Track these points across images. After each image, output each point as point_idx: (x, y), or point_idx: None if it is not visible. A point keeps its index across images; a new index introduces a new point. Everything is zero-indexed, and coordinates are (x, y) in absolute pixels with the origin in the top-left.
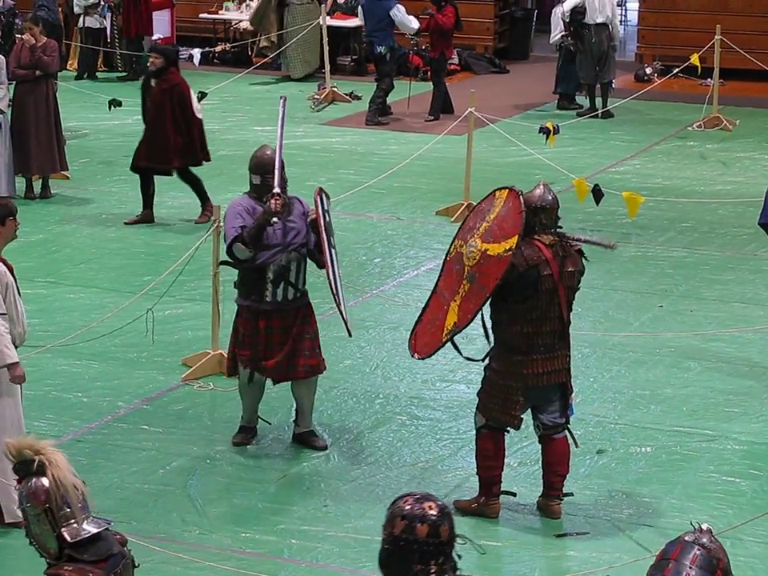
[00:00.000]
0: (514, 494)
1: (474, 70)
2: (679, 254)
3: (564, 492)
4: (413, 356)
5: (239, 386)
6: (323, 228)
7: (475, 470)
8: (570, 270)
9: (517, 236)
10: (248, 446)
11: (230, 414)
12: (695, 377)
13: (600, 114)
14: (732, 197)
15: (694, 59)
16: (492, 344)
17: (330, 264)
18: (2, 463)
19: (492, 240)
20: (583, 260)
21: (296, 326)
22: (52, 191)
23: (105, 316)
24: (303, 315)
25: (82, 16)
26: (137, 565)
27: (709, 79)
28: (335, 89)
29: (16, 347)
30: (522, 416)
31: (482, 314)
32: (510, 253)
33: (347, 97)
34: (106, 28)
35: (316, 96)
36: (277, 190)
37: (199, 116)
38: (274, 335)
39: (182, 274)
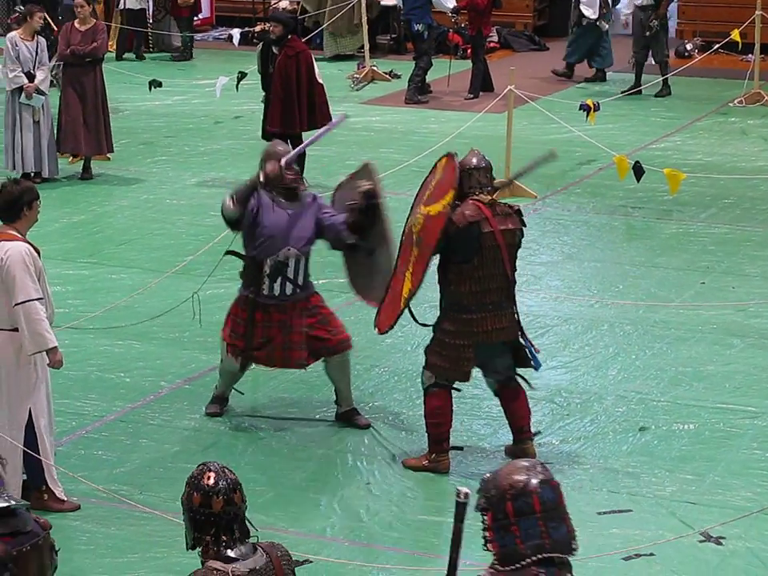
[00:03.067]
0: (461, 449)
1: (514, 47)
2: (721, 230)
3: (533, 432)
4: (377, 333)
5: (222, 368)
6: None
7: (504, 441)
8: (510, 227)
9: (452, 190)
10: (291, 426)
11: (272, 392)
12: (738, 353)
13: (660, 92)
14: None
15: (735, 35)
16: (442, 307)
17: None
18: (43, 442)
19: (433, 202)
20: (522, 219)
21: (292, 320)
22: (93, 172)
23: (145, 295)
24: (301, 309)
25: None
26: (57, 549)
27: (750, 55)
28: (375, 68)
29: None
30: (471, 371)
31: (408, 307)
32: (448, 207)
33: (386, 76)
34: (145, 9)
35: (356, 75)
36: (284, 161)
37: (320, 81)
38: (272, 328)
39: (222, 254)
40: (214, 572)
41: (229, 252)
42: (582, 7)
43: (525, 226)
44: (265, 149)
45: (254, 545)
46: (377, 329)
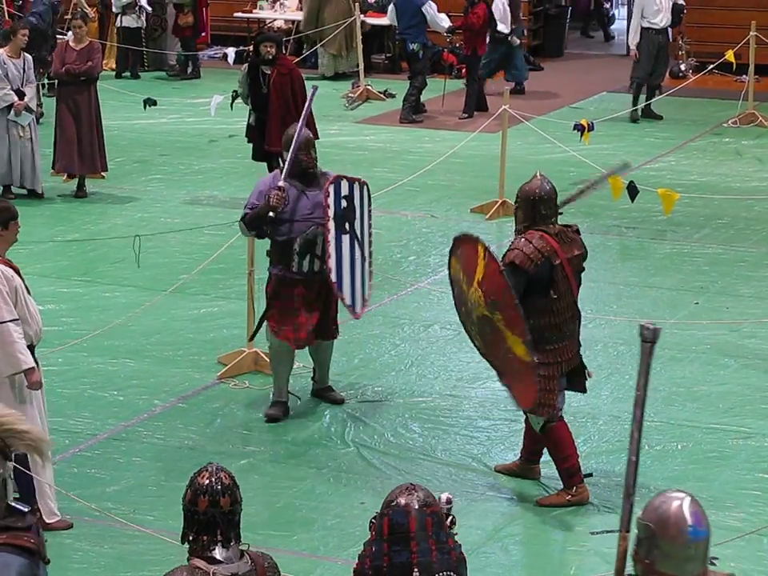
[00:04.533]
0: (591, 474)
1: None
2: (715, 250)
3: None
4: (526, 412)
5: (271, 355)
6: (329, 218)
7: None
8: (576, 254)
9: (479, 246)
10: (284, 444)
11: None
12: (731, 374)
13: (643, 114)
14: None
15: (729, 55)
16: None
17: (332, 252)
18: (36, 466)
19: (473, 274)
20: (582, 240)
21: (321, 297)
22: (88, 191)
23: (139, 313)
24: (328, 286)
25: (119, 16)
26: (47, 561)
27: (744, 75)
28: (369, 87)
29: (33, 347)
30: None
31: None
32: (487, 254)
33: (381, 95)
34: (141, 28)
35: (350, 94)
36: (282, 183)
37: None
38: (300, 303)
39: (217, 272)
40: (196, 570)
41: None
42: (498, 22)
43: (585, 247)
44: (286, 132)
45: (243, 551)
46: (523, 408)
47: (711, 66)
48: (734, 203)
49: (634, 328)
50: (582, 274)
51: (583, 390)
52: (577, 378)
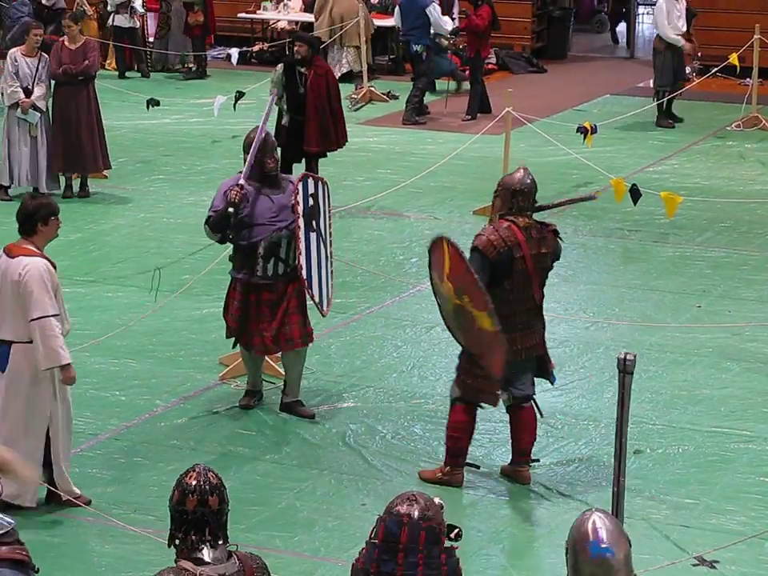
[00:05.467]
0: (478, 467)
1: (512, 69)
2: (718, 254)
3: (532, 458)
4: (497, 379)
5: (241, 355)
6: (299, 215)
7: (499, 463)
8: (543, 251)
9: (443, 243)
10: (286, 445)
11: (267, 411)
12: (733, 377)
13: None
14: None
15: (733, 59)
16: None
17: (302, 249)
18: (56, 449)
19: (441, 269)
20: (559, 240)
21: (285, 301)
22: (90, 190)
23: (142, 314)
24: (292, 290)
25: (112, 14)
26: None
27: (748, 79)
28: (372, 88)
29: None
30: (499, 395)
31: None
32: (450, 246)
33: (384, 96)
34: (135, 28)
35: (353, 95)
36: (241, 182)
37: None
38: (263, 308)
39: (220, 273)
40: (183, 572)
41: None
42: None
43: (562, 241)
44: (247, 135)
45: (231, 552)
46: (498, 375)
47: (715, 69)
48: (737, 206)
49: (637, 331)
50: (570, 276)
51: (549, 378)
52: (542, 366)
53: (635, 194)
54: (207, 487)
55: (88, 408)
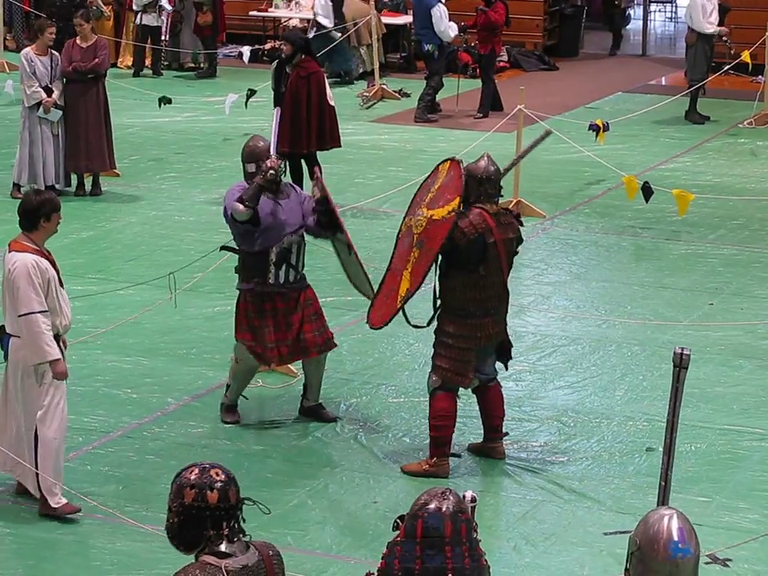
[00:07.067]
0: (459, 456)
1: (524, 67)
2: (730, 251)
3: (504, 432)
4: (370, 327)
5: (237, 370)
6: (333, 204)
7: (509, 460)
8: (510, 237)
9: (458, 198)
10: (297, 443)
11: (279, 410)
12: (746, 375)
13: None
14: None
15: (745, 56)
16: (438, 310)
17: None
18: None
19: (437, 206)
20: (520, 222)
21: (299, 311)
22: (102, 188)
23: (153, 312)
24: (305, 297)
25: (139, 13)
26: None
27: (760, 76)
28: (384, 86)
29: (59, 336)
30: (472, 377)
31: (435, 283)
32: (453, 214)
33: (396, 94)
34: (160, 26)
35: (365, 93)
36: (273, 154)
37: (332, 103)
38: (279, 316)
39: (231, 271)
40: (207, 566)
41: (224, 248)
42: (318, 18)
43: (522, 225)
44: (245, 144)
45: (248, 543)
46: (369, 323)
47: (727, 67)
48: (749, 204)
49: (648, 329)
50: (581, 273)
51: (505, 363)
52: (502, 348)
53: (647, 191)
54: (223, 483)
55: (100, 405)
